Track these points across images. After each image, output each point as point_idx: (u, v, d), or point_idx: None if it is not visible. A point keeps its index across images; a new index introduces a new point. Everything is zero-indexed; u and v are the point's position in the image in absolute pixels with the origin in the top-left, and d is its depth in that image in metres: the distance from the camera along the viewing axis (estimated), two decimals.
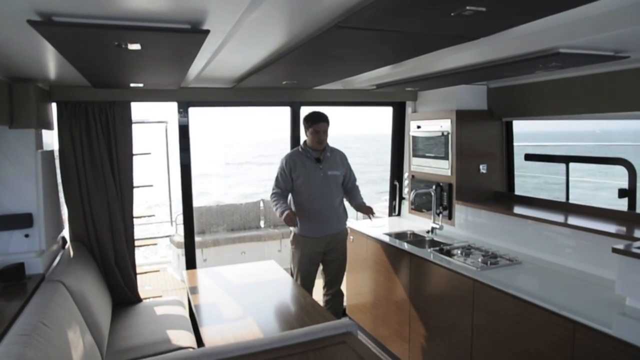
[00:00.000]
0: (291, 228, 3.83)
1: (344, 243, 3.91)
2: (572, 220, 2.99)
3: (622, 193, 3.20)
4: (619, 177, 3.63)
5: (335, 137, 3.85)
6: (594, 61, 2.51)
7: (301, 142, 3.86)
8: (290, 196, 3.77)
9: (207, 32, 1.71)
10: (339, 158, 3.84)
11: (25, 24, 1.49)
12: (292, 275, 3.86)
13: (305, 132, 3.74)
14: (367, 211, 3.83)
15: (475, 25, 1.73)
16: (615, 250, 2.27)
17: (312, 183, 3.66)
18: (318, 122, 3.65)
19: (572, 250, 2.97)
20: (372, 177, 24.17)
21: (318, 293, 3.95)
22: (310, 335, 2.05)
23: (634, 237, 2.55)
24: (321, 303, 3.86)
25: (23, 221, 2.89)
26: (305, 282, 3.73)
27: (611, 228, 2.76)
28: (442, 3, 1.43)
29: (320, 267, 3.91)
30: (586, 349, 2.16)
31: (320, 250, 3.78)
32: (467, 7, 1.44)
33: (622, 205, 3.20)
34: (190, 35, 1.72)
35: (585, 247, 2.87)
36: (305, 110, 4.25)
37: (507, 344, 2.63)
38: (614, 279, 2.35)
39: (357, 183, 4.00)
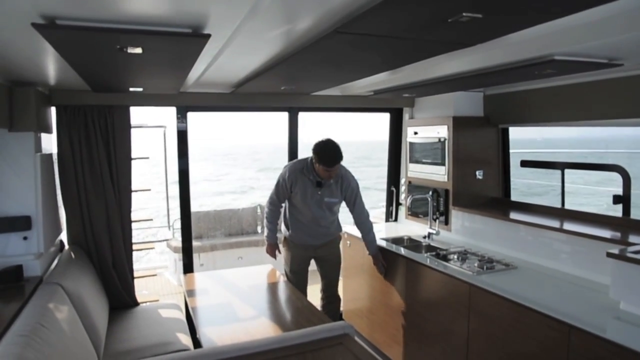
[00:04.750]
0: (282, 230, 3.88)
1: (335, 248, 3.93)
2: (567, 226, 3.02)
3: (616, 199, 3.23)
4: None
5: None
6: (589, 68, 2.55)
7: (307, 158, 3.65)
8: (286, 203, 3.79)
9: (208, 36, 1.73)
10: (341, 184, 3.63)
11: (28, 27, 1.50)
12: (286, 275, 3.89)
13: (315, 163, 3.51)
14: (378, 264, 3.78)
15: (471, 32, 1.76)
16: (609, 255, 2.29)
17: (308, 205, 3.63)
18: (334, 165, 3.45)
19: (567, 255, 2.99)
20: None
21: (316, 297, 3.96)
22: (308, 337, 2.06)
23: (628, 242, 2.58)
24: (319, 307, 3.87)
25: (21, 224, 2.89)
26: (296, 281, 3.79)
27: (606, 233, 2.79)
28: (439, 10, 1.46)
29: (319, 271, 3.94)
30: (581, 352, 2.18)
31: (309, 255, 3.86)
32: (464, 14, 1.47)
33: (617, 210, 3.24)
34: (191, 39, 1.75)
35: (580, 252, 2.90)
36: (303, 117, 4.27)
37: (503, 347, 2.64)
38: (609, 284, 2.38)
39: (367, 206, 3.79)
